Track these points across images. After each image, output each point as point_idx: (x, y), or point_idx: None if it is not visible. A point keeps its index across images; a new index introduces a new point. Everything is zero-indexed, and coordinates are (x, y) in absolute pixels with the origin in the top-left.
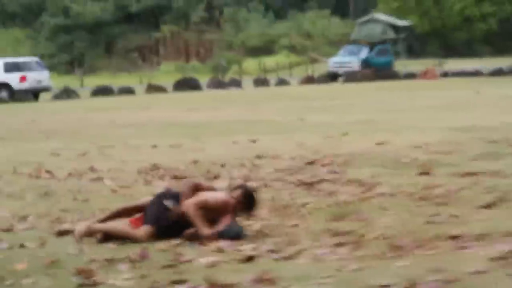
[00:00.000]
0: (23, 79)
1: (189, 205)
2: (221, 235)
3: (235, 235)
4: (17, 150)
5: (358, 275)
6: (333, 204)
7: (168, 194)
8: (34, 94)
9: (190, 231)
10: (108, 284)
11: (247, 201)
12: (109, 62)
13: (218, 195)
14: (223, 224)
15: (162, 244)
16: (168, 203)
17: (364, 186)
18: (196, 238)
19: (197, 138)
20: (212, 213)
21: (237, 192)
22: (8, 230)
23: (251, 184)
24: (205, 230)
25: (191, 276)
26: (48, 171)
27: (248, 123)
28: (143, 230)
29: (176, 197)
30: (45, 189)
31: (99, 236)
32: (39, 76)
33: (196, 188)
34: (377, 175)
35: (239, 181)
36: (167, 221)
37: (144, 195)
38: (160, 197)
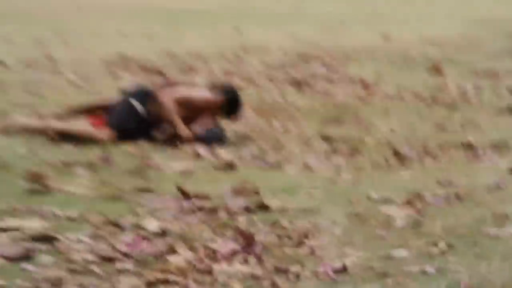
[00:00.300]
0: None
1: (167, 98)
2: (200, 138)
3: (217, 138)
4: None
5: (355, 186)
6: (329, 106)
7: (138, 92)
8: None
9: (164, 131)
10: (63, 190)
11: (230, 107)
12: None
13: (199, 92)
14: (203, 125)
15: (127, 147)
16: (136, 102)
17: (365, 86)
18: (169, 140)
19: (172, 26)
20: (190, 111)
21: (220, 96)
22: None
23: (234, 83)
24: (185, 130)
25: (161, 184)
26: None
27: (234, 11)
28: (106, 131)
29: (146, 95)
30: None
31: (53, 134)
32: None
33: (171, 85)
34: (381, 73)
35: (223, 81)
36: (134, 122)
37: (110, 90)
38: (128, 95)
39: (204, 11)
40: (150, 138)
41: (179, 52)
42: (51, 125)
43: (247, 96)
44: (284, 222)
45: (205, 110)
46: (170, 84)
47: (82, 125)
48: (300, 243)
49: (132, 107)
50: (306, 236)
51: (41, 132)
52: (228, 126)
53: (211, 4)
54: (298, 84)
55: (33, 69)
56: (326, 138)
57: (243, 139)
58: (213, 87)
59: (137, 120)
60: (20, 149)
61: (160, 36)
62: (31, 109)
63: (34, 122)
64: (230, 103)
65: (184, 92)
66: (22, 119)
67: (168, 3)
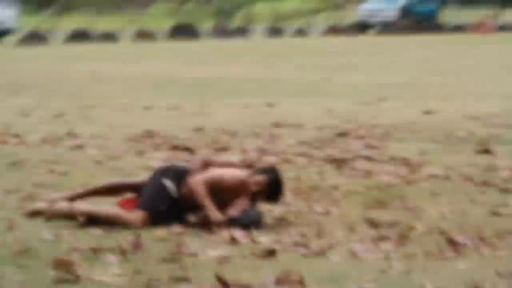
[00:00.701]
0: None
1: (197, 181)
2: (235, 222)
3: (253, 222)
4: None
5: (407, 277)
6: (372, 187)
7: (170, 171)
8: None
9: (197, 215)
10: (93, 280)
11: (272, 191)
12: (89, 0)
13: (234, 172)
14: (238, 208)
15: (159, 232)
16: (168, 183)
17: (410, 166)
18: (203, 225)
19: (199, 99)
20: (225, 194)
21: (261, 177)
22: None
23: (268, 161)
24: (217, 215)
25: (197, 272)
26: (16, 135)
27: (261, 83)
28: (137, 214)
29: (180, 174)
30: (13, 158)
31: (81, 218)
32: (1, 15)
33: (208, 165)
34: (425, 152)
35: (265, 164)
36: (165, 204)
37: (136, 169)
38: (160, 174)
39: (229, 80)
40: (183, 222)
41: (207, 127)
42: (79, 208)
43: (285, 176)
44: None
45: (240, 192)
46: (206, 163)
47: (111, 207)
48: None
49: (164, 188)
50: None
51: (68, 216)
52: (266, 209)
53: (236, 73)
54: (336, 163)
55: (54, 145)
56: (371, 223)
57: (282, 223)
58: (256, 170)
59: (169, 202)
60: (46, 234)
61: (186, 110)
62: (55, 190)
63: (60, 205)
64: (273, 185)
65: (216, 172)
66: (48, 203)
67: (190, 73)
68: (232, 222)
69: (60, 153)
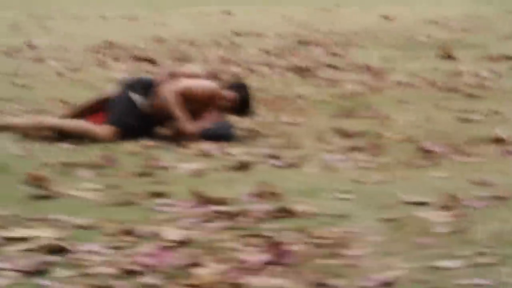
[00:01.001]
0: None
1: (169, 91)
2: (207, 134)
3: (226, 133)
4: None
5: (384, 188)
6: (338, 96)
7: (137, 84)
8: None
9: (168, 128)
10: (68, 195)
11: (241, 107)
12: None
13: (203, 83)
14: (210, 120)
15: (130, 146)
16: (136, 96)
17: (373, 73)
18: (174, 138)
19: (156, 7)
20: (195, 105)
21: (231, 93)
22: None
23: (230, 70)
24: (189, 126)
25: (172, 187)
26: None
27: None
28: (106, 128)
29: (147, 87)
30: None
31: (49, 133)
32: None
33: (174, 77)
34: (388, 59)
35: (230, 74)
36: (134, 118)
37: (98, 81)
38: (127, 87)
39: None
40: (153, 135)
41: (166, 36)
42: (47, 123)
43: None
44: (315, 229)
45: (210, 103)
46: (171, 74)
47: (79, 122)
48: (335, 253)
49: (132, 101)
50: (342, 245)
51: (37, 131)
52: (234, 121)
53: None
54: (301, 72)
55: (14, 58)
56: (341, 133)
57: (252, 134)
58: (216, 78)
59: (138, 116)
60: (16, 149)
61: (145, 20)
62: (19, 103)
63: (28, 120)
64: (242, 102)
65: (187, 83)
66: (16, 118)
67: None
68: (205, 134)
69: (21, 65)
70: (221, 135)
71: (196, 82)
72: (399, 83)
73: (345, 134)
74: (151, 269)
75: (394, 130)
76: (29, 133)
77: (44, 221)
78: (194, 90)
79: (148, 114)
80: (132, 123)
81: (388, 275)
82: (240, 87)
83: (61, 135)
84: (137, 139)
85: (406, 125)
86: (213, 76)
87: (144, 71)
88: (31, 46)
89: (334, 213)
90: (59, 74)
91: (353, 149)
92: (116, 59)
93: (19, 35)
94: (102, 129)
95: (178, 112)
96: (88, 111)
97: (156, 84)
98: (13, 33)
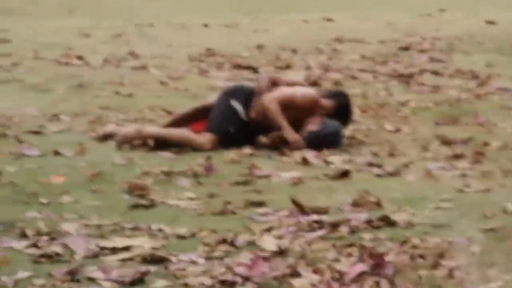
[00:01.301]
0: None
1: (271, 100)
2: (314, 137)
3: (335, 135)
4: (36, 29)
5: (488, 197)
6: (441, 102)
7: (239, 92)
8: None
9: (268, 136)
10: (168, 204)
11: (340, 116)
12: None
13: (304, 90)
14: (315, 123)
15: (231, 154)
16: (237, 104)
17: (478, 79)
18: (274, 146)
19: (256, 15)
20: (297, 114)
21: (329, 102)
22: (38, 132)
23: (332, 77)
24: (294, 135)
25: (271, 195)
26: (79, 57)
27: None
28: (206, 136)
29: (249, 96)
30: (78, 80)
31: (151, 142)
32: None
33: (274, 83)
34: (492, 64)
35: (330, 81)
36: (234, 126)
37: (200, 89)
38: (228, 95)
39: None
40: (254, 144)
41: (267, 44)
42: (148, 132)
43: (350, 94)
44: (414, 240)
45: (312, 111)
46: (272, 81)
47: (180, 130)
48: (435, 264)
49: (233, 109)
50: (441, 256)
51: (137, 139)
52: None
53: None
54: (403, 78)
55: (117, 67)
56: (444, 140)
57: (353, 142)
58: (317, 85)
59: (238, 124)
60: (117, 158)
61: (244, 26)
62: (123, 112)
63: (130, 129)
64: (342, 110)
65: (288, 92)
66: (118, 127)
67: None
68: (311, 137)
69: (124, 74)
70: (329, 137)
71: (296, 90)
72: (504, 89)
73: (448, 141)
74: (247, 280)
75: (499, 138)
76: (131, 142)
77: (143, 231)
78: (295, 98)
79: (248, 122)
80: (232, 130)
81: (489, 286)
82: (340, 95)
83: (162, 144)
84: (237, 147)
85: (511, 132)
86: (313, 83)
87: (245, 79)
88: (134, 55)
89: (434, 223)
90: (162, 82)
91: (457, 157)
92: (218, 67)
93: (122, 45)
94: (201, 137)
95: (281, 121)
96: (190, 119)
97: (257, 92)
98: (117, 42)
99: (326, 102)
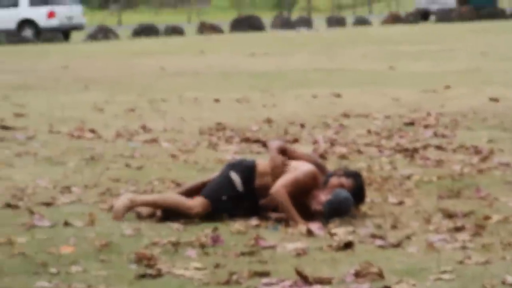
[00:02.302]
0: (51, 14)
1: (278, 190)
2: (330, 206)
3: (348, 198)
4: (51, 103)
5: (486, 269)
6: (444, 176)
7: (239, 165)
8: (64, 33)
9: (276, 216)
10: (174, 274)
11: (356, 195)
12: None
13: (305, 167)
14: (322, 198)
15: (237, 225)
16: (234, 176)
17: (481, 154)
18: (280, 218)
19: (266, 90)
20: (301, 191)
21: (348, 181)
22: (49, 204)
23: (338, 151)
24: (301, 221)
25: (276, 266)
26: (92, 130)
27: (327, 73)
28: (197, 200)
29: (248, 169)
30: (90, 153)
31: (158, 213)
32: (70, 12)
33: (283, 152)
34: (495, 140)
35: (336, 155)
36: (228, 195)
37: (208, 162)
38: (229, 167)
39: (294, 71)
40: (259, 215)
41: (276, 118)
42: (141, 199)
43: (356, 167)
44: None
45: (314, 184)
46: (282, 149)
47: (173, 195)
48: None
49: (229, 180)
50: None
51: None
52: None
53: (301, 64)
54: (407, 153)
55: (129, 139)
56: (446, 213)
57: (357, 214)
58: (339, 173)
59: (232, 193)
60: (126, 229)
61: (254, 101)
62: (132, 184)
63: (123, 200)
64: (358, 190)
65: (292, 176)
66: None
67: (256, 64)
68: (332, 204)
69: (135, 148)
70: (345, 202)
71: (297, 172)
72: (506, 164)
73: (450, 214)
74: None
75: (500, 211)
76: (127, 212)
77: None
78: (298, 180)
79: (241, 194)
80: (224, 198)
81: None
82: (355, 176)
83: (171, 214)
84: (244, 219)
85: None
86: (319, 157)
87: (254, 153)
88: (145, 129)
89: None
90: (172, 155)
91: (458, 229)
92: (228, 141)
93: (135, 119)
94: (192, 201)
95: (290, 209)
96: (195, 192)
97: (256, 167)
98: (130, 116)
99: (346, 182)
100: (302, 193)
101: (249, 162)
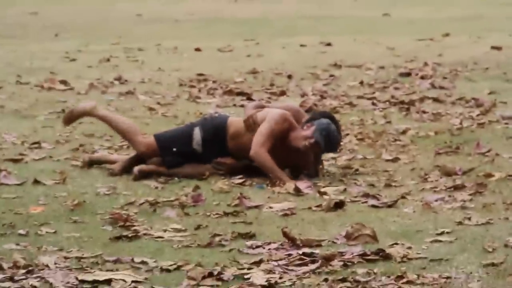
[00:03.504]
0: None
1: (256, 151)
2: (322, 133)
3: (331, 127)
4: (19, 52)
5: (487, 230)
6: (442, 131)
7: (210, 123)
8: None
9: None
10: (153, 236)
11: (325, 143)
12: None
13: (273, 114)
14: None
15: (219, 183)
16: (197, 133)
17: (481, 107)
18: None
19: (251, 39)
20: (279, 137)
21: (310, 129)
22: (18, 160)
23: (329, 104)
24: (288, 179)
25: (262, 227)
26: (63, 81)
27: (317, 20)
28: (147, 139)
29: (219, 129)
30: (61, 106)
31: (136, 172)
32: None
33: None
34: (497, 91)
35: (314, 108)
36: (180, 148)
37: (189, 116)
38: (199, 122)
39: (281, 17)
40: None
41: (262, 69)
42: (102, 112)
43: (348, 121)
44: (411, 275)
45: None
46: (259, 107)
47: (131, 122)
48: None
49: (190, 134)
50: None
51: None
52: (329, 157)
53: (289, 10)
54: (403, 106)
55: (103, 92)
56: (444, 170)
57: (348, 172)
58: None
59: (186, 149)
60: (100, 187)
61: (238, 51)
62: (106, 140)
63: (88, 104)
64: (326, 140)
65: (265, 127)
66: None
67: (241, 11)
68: (321, 133)
69: (110, 100)
70: (330, 127)
71: (271, 120)
72: (509, 118)
73: (449, 172)
74: None
75: (502, 169)
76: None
77: (126, 263)
78: (272, 130)
79: (199, 155)
80: (175, 151)
81: None
82: (319, 115)
83: (148, 174)
84: (228, 178)
85: None
86: (308, 110)
87: (238, 106)
88: (121, 81)
89: (432, 257)
90: (150, 109)
91: (457, 188)
92: (210, 93)
93: (111, 70)
94: (142, 139)
95: (275, 170)
96: None
97: (245, 122)
98: (104, 67)
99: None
100: (282, 139)
101: (222, 119)
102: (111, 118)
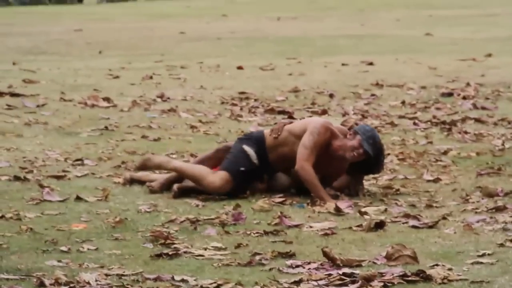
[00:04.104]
0: None
1: (302, 166)
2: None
3: (375, 132)
4: (63, 69)
5: None
6: (484, 152)
7: (249, 139)
8: None
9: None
10: (193, 254)
11: (367, 161)
12: None
13: (314, 125)
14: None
15: (260, 202)
16: (248, 149)
17: None
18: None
19: (293, 57)
20: (322, 148)
21: (356, 138)
22: (60, 177)
23: (369, 123)
24: (329, 199)
25: (302, 247)
26: (106, 99)
27: (358, 39)
28: (219, 174)
29: (259, 142)
30: (104, 123)
31: (175, 188)
32: None
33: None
34: None
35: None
36: (245, 166)
37: (230, 134)
38: (241, 141)
39: (323, 36)
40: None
41: (303, 87)
42: (174, 164)
43: (389, 141)
44: None
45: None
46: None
47: (199, 166)
48: None
49: (244, 152)
50: None
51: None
52: (370, 177)
53: (330, 29)
54: (445, 126)
55: (146, 109)
56: (486, 191)
57: (389, 192)
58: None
59: (249, 166)
60: (142, 205)
61: (280, 69)
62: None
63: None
64: (369, 162)
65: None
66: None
67: (282, 29)
68: (370, 143)
69: (152, 118)
70: (375, 133)
71: (313, 132)
72: None
73: (491, 193)
74: None
75: None
76: (151, 187)
77: (166, 281)
78: (319, 140)
79: (258, 166)
80: (242, 169)
81: None
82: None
83: (188, 191)
84: (268, 196)
85: None
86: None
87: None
88: (164, 98)
89: (473, 279)
90: (192, 127)
91: (499, 209)
92: (251, 111)
93: (153, 87)
94: (215, 175)
95: (318, 188)
96: (209, 162)
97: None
98: (147, 84)
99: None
100: (326, 148)
101: (259, 133)
102: (183, 168)
